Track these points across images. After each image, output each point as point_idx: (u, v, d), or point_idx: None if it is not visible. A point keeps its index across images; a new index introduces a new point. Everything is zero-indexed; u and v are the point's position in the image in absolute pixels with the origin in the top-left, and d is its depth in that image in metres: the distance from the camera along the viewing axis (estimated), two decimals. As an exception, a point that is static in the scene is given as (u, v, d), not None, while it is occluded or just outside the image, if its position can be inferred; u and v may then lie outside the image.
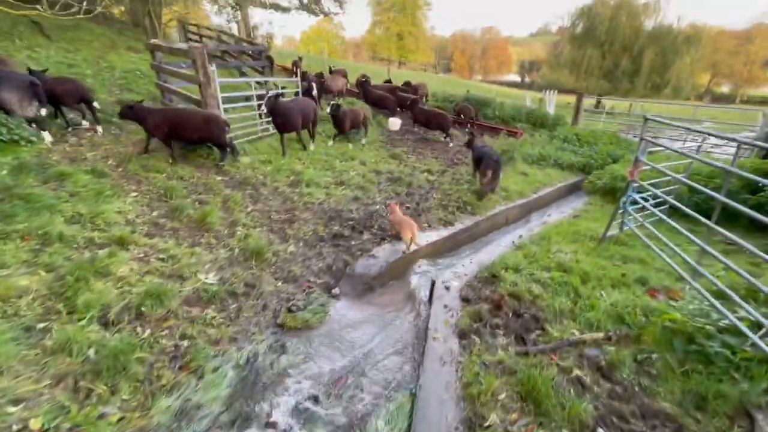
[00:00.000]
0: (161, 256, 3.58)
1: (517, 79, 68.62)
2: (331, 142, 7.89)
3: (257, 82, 11.55)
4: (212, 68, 5.95)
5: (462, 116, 11.98)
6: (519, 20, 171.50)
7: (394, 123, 11.42)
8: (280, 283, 3.62)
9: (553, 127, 12.53)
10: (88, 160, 5.34)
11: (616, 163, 8.42)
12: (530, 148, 9.24)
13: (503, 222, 5.90)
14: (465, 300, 3.31)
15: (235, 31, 22.45)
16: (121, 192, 4.61)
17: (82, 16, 5.25)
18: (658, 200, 4.05)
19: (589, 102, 20.20)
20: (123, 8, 17.41)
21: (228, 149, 5.75)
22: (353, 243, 4.35)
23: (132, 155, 5.52)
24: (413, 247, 4.17)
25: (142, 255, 3.55)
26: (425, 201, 5.74)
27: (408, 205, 5.51)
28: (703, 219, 2.87)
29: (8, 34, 9.84)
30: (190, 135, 5.45)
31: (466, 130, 8.10)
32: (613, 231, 4.44)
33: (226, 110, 6.85)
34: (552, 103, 15.45)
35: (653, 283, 3.42)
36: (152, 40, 7.00)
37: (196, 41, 16.30)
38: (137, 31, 15.16)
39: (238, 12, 21.61)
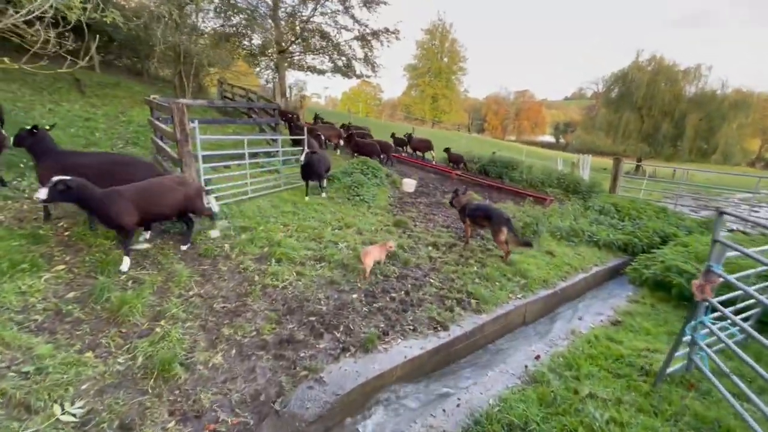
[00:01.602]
0: (27, 368, 2.64)
1: (552, 140, 68.33)
2: (331, 209, 7.08)
3: (272, 139, 11.41)
4: (193, 125, 5.48)
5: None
6: (553, 85, 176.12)
7: (409, 184, 10.62)
8: (173, 423, 2.53)
9: (588, 195, 11.27)
10: (38, 220, 4.79)
11: (666, 244, 6.94)
12: (559, 220, 7.98)
13: (519, 322, 4.58)
14: (433, 493, 2.06)
15: (271, 92, 23.80)
16: (47, 264, 3.88)
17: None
18: (740, 318, 2.71)
19: (627, 166, 18.75)
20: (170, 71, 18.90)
21: None
22: (302, 354, 3.24)
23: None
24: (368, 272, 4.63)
25: (2, 365, 2.65)
26: (418, 289, 4.58)
27: (393, 295, 4.38)
28: None
29: (41, 89, 10.35)
30: None
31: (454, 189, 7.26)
32: (676, 364, 3.07)
33: (207, 170, 6.35)
34: (587, 167, 14.26)
35: (759, 492, 2.02)
36: (152, 96, 6.80)
37: (230, 98, 17.10)
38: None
39: (277, 74, 22.90)
